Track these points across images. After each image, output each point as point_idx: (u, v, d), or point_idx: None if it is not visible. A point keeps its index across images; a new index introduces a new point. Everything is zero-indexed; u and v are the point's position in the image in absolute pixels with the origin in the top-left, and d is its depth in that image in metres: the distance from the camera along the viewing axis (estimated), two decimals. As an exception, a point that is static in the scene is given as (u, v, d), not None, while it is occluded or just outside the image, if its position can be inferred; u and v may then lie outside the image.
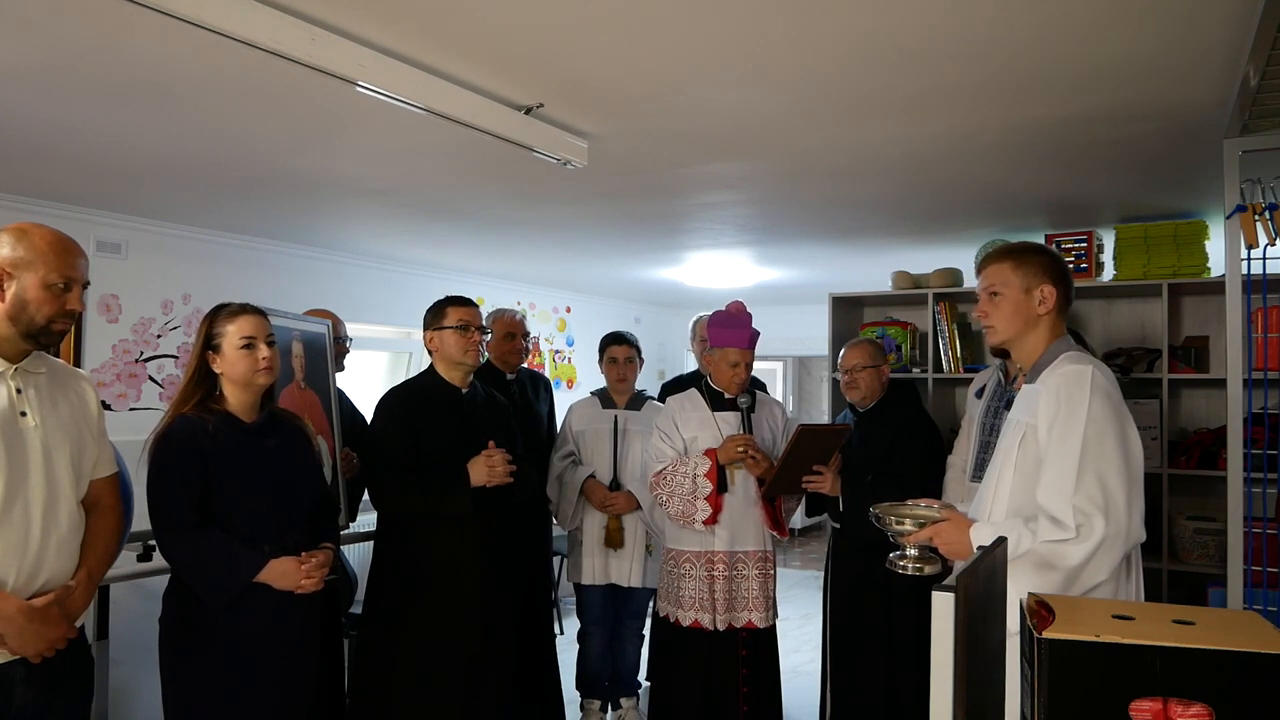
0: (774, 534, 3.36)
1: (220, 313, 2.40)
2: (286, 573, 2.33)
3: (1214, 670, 1.11)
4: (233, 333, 2.36)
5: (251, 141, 2.89)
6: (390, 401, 3.04)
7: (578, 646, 4.06)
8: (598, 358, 4.06)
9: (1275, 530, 2.63)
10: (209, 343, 2.37)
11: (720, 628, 3.26)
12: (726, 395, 3.37)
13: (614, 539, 3.81)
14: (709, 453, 3.26)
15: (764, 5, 1.89)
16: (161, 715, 2.33)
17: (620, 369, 3.94)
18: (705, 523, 3.22)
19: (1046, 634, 1.16)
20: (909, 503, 2.15)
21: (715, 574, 3.27)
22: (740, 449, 3.21)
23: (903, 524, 2.03)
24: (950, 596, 1.07)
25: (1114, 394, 1.98)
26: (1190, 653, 1.11)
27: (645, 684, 3.77)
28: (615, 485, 3.83)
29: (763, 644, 3.37)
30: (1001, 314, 2.12)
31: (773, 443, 3.42)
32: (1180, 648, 1.12)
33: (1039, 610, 1.23)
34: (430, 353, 3.07)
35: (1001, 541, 1.43)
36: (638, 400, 3.99)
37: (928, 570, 2.03)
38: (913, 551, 2.05)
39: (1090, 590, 1.91)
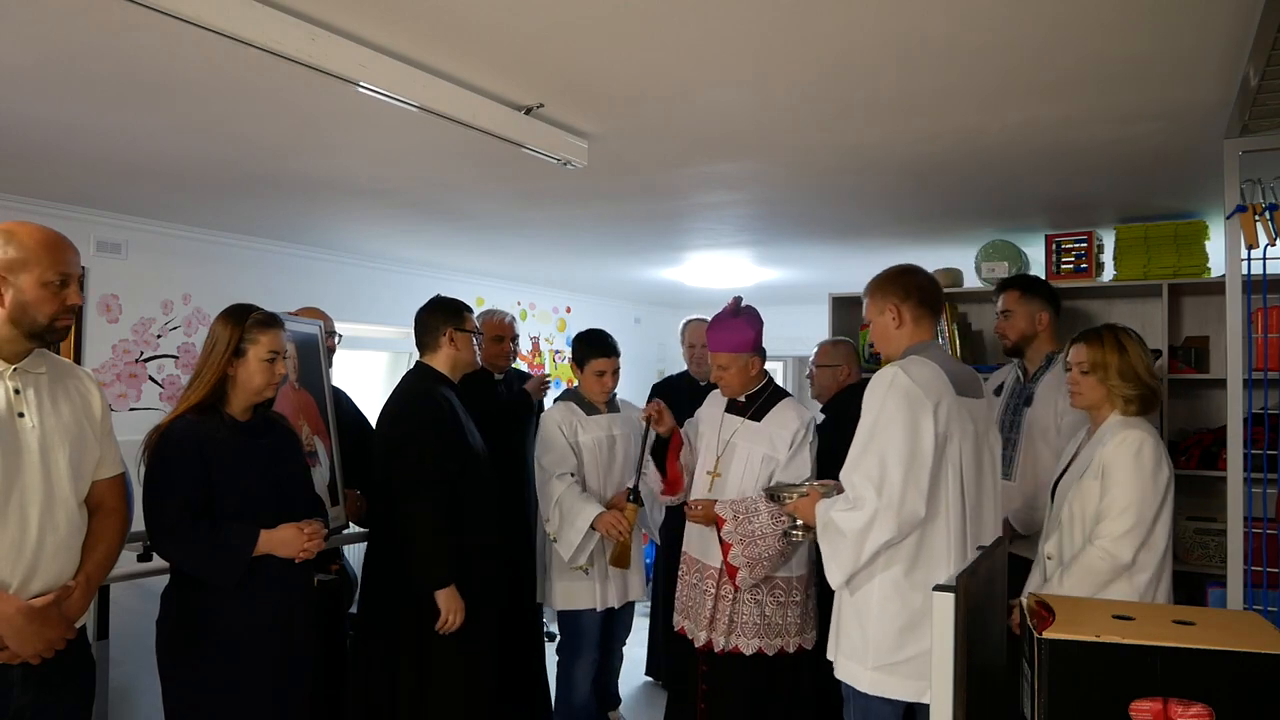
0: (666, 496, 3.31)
1: (249, 318, 2.39)
2: (288, 540, 2.34)
3: (1214, 670, 1.11)
4: (264, 344, 2.37)
5: (251, 141, 2.89)
6: (432, 410, 2.99)
7: (557, 677, 3.64)
8: (573, 365, 3.66)
9: (1275, 530, 2.63)
10: (237, 347, 2.36)
11: (699, 641, 3.07)
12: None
13: (623, 559, 3.37)
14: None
15: (764, 5, 1.89)
16: (162, 715, 2.33)
17: (607, 381, 3.56)
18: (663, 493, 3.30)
19: (1046, 634, 1.16)
20: (801, 481, 2.78)
21: (685, 580, 3.17)
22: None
23: (791, 497, 2.56)
24: (950, 597, 1.07)
25: (914, 391, 2.24)
26: (1190, 653, 1.11)
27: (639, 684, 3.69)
28: (636, 497, 3.37)
29: (723, 670, 3.02)
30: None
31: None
32: (1180, 648, 1.12)
33: (1039, 610, 1.23)
34: (436, 347, 3.12)
35: (1000, 542, 1.43)
36: (613, 402, 3.68)
37: (811, 536, 2.52)
38: (800, 523, 2.56)
39: (876, 552, 2.23)
